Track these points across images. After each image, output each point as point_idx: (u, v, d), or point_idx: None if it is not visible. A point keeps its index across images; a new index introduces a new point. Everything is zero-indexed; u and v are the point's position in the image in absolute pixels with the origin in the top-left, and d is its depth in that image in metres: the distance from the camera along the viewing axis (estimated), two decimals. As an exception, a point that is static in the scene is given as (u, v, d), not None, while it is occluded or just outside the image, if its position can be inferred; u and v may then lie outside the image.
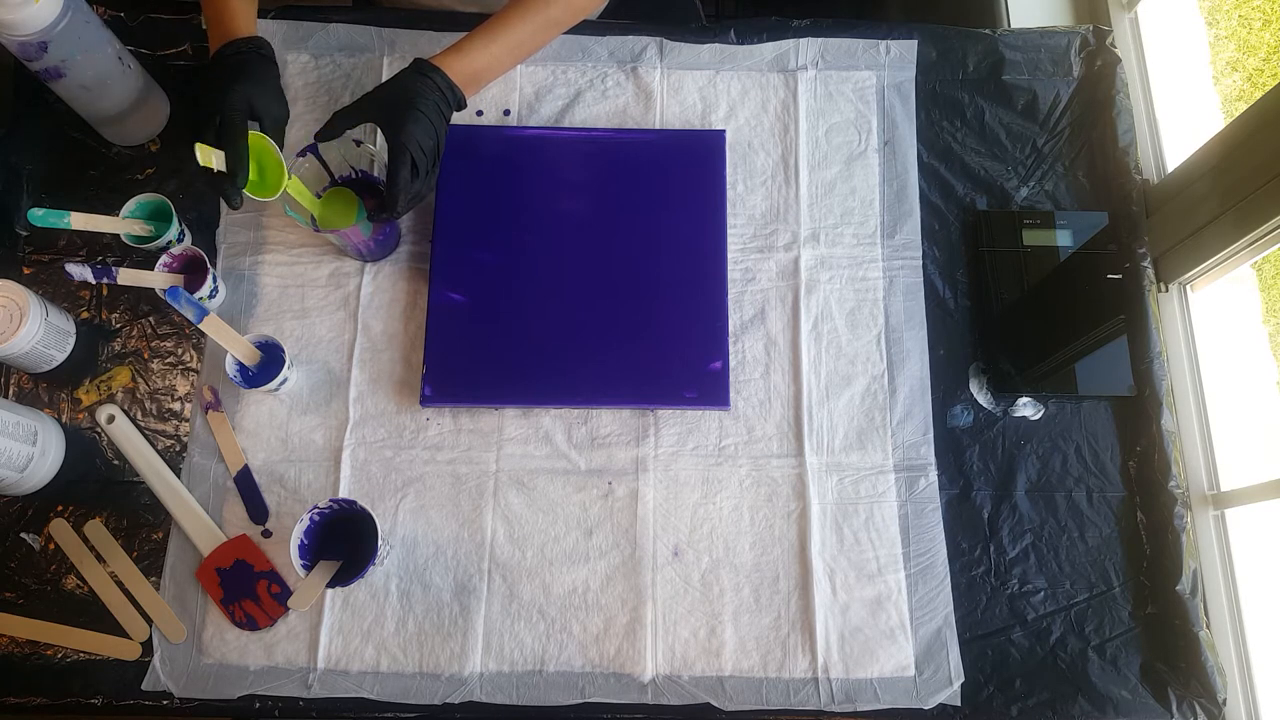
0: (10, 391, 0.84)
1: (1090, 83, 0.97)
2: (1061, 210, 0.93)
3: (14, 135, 0.90)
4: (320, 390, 0.85)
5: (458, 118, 0.80)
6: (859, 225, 0.91)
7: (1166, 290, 0.93)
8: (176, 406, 0.84)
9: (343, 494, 0.81)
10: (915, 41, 0.97)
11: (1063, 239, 0.91)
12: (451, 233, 0.87)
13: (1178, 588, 0.81)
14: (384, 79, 0.89)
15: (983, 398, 0.88)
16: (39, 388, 0.84)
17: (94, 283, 0.77)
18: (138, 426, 0.83)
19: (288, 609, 0.78)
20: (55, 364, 0.83)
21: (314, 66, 0.94)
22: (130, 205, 0.84)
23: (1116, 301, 0.90)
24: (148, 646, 0.77)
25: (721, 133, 0.92)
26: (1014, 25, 1.10)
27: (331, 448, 0.83)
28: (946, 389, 0.88)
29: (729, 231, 0.89)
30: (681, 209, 0.89)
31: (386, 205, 0.74)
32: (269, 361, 0.82)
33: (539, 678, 0.78)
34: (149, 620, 0.78)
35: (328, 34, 0.95)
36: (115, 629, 0.78)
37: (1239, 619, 0.83)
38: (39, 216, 0.77)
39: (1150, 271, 0.91)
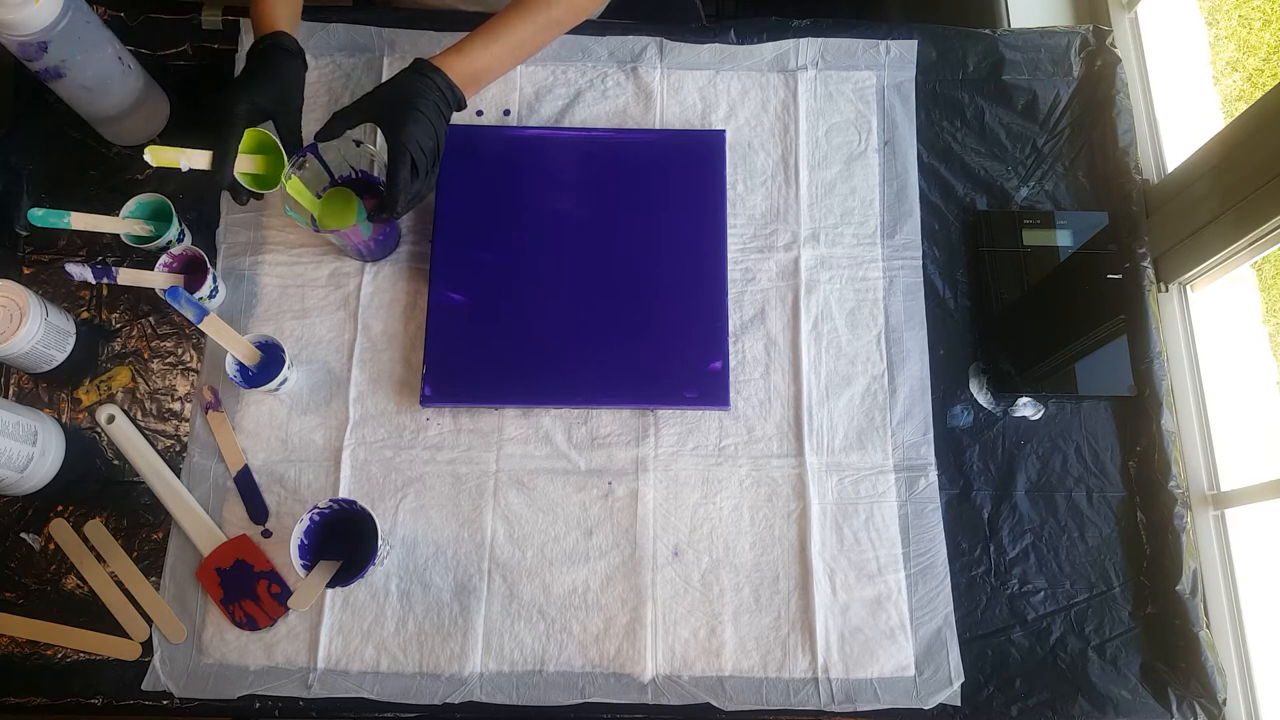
0: (10, 391, 0.84)
1: (1090, 83, 0.97)
2: (1061, 210, 0.93)
3: (14, 135, 0.90)
4: (320, 390, 0.85)
5: (458, 118, 0.80)
6: (859, 225, 0.91)
7: (1166, 290, 0.93)
8: (176, 406, 0.84)
9: (343, 494, 0.81)
10: (915, 41, 0.97)
11: (1063, 239, 0.91)
12: (451, 233, 0.87)
13: (1178, 588, 0.81)
14: (384, 79, 0.89)
15: (983, 398, 0.88)
16: (39, 388, 0.84)
17: (94, 283, 0.77)
18: (138, 426, 0.83)
19: (288, 609, 0.78)
20: (55, 364, 0.83)
21: (314, 66, 0.94)
22: (130, 205, 0.84)
23: (1116, 301, 0.90)
24: (148, 646, 0.77)
25: (721, 133, 0.92)
26: (1014, 25, 1.10)
27: (331, 448, 0.83)
28: (946, 389, 0.88)
29: (729, 231, 0.89)
30: (681, 209, 0.89)
31: (386, 205, 0.74)
32: (269, 361, 0.82)
33: (539, 678, 0.78)
34: (149, 620, 0.78)
35: (328, 34, 0.95)
36: (115, 629, 0.78)
37: (1239, 619, 0.83)
38: (39, 216, 0.77)
39: (1150, 271, 0.91)
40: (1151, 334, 0.88)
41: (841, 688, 0.78)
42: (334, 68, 0.94)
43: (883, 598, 0.81)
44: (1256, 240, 0.82)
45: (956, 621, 0.81)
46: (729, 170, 0.92)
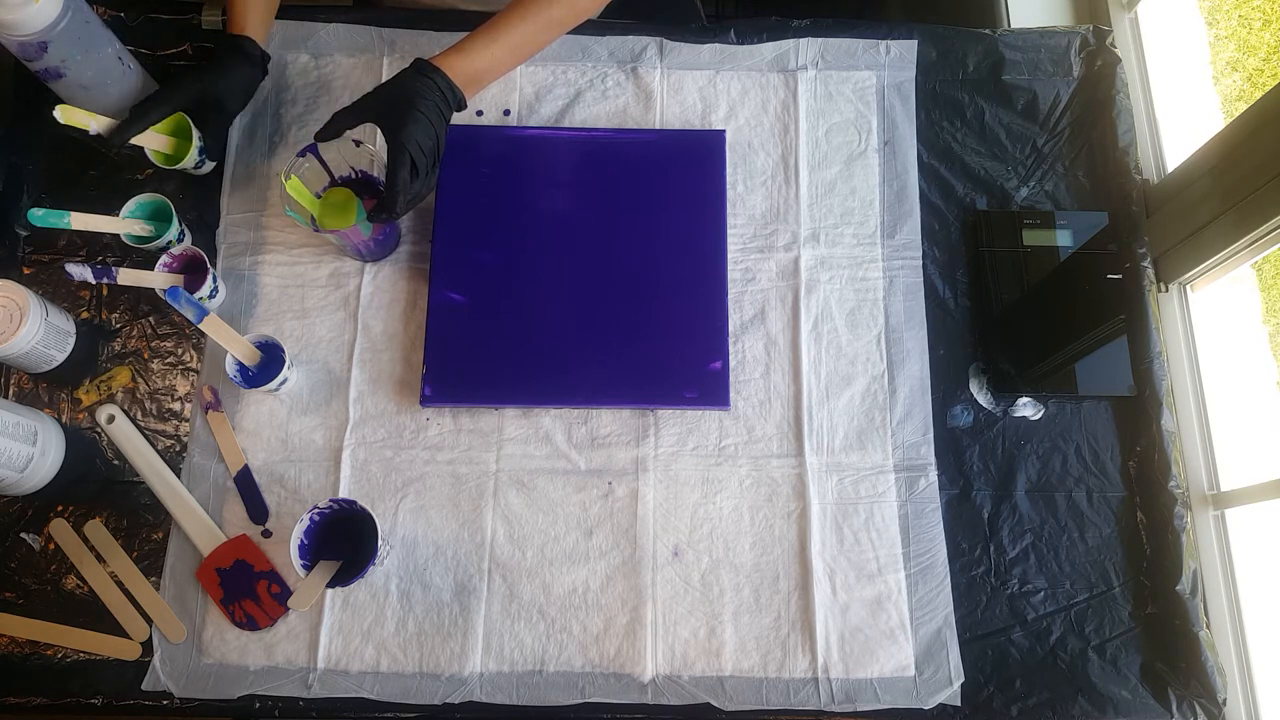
0: (10, 391, 0.84)
1: (1090, 83, 0.97)
2: (1061, 210, 0.93)
3: (14, 135, 0.90)
4: (320, 390, 0.85)
5: (458, 118, 0.80)
6: (859, 225, 0.91)
7: (1166, 290, 0.93)
8: (176, 406, 0.84)
9: (343, 494, 0.81)
10: (915, 41, 0.97)
11: (1063, 239, 0.91)
12: (451, 233, 0.87)
13: (1178, 588, 0.81)
14: (384, 79, 0.89)
15: (983, 398, 0.88)
16: (39, 388, 0.84)
17: (94, 283, 0.77)
18: (138, 426, 0.83)
19: (288, 609, 0.78)
20: (55, 364, 0.83)
21: (314, 66, 0.95)
22: (130, 205, 0.84)
23: (1116, 301, 0.90)
24: (148, 646, 0.77)
25: (721, 133, 0.92)
26: (1014, 25, 1.10)
27: (331, 448, 0.83)
28: (946, 389, 0.88)
29: (729, 231, 0.89)
30: (681, 209, 0.89)
31: (386, 206, 0.74)
32: (269, 361, 0.82)
33: (539, 678, 0.78)
34: (149, 620, 0.78)
35: (328, 34, 0.95)
36: (115, 629, 0.78)
37: (1239, 619, 0.83)
38: (39, 216, 0.77)
39: (1150, 271, 0.91)
40: (1151, 334, 0.88)
41: (841, 688, 0.78)
42: (334, 68, 0.94)
43: (883, 598, 0.81)
44: (1256, 240, 0.82)
45: (956, 621, 0.81)
46: (729, 170, 0.92)
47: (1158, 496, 0.84)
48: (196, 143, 0.84)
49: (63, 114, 0.75)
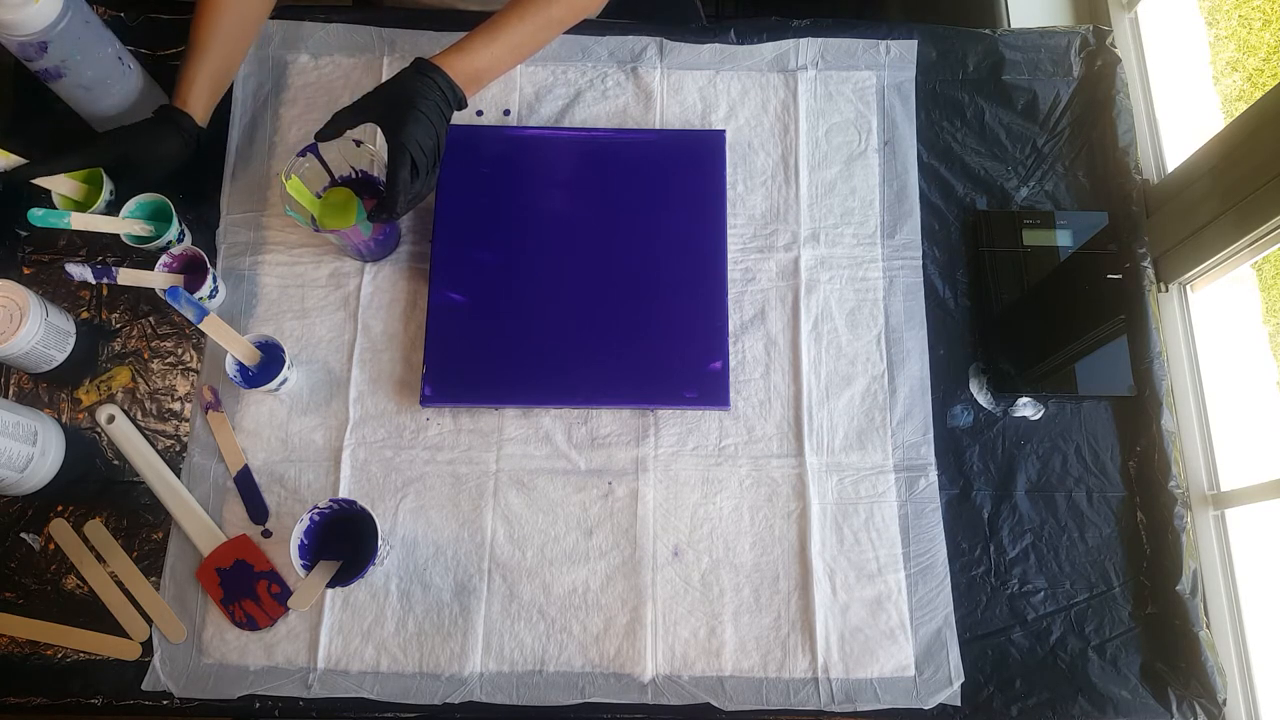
0: (10, 391, 0.84)
1: (1090, 83, 0.97)
2: (1061, 210, 0.93)
3: (14, 135, 0.90)
4: (320, 390, 0.85)
5: (458, 117, 0.80)
6: (859, 225, 0.91)
7: (1166, 290, 0.93)
8: (176, 406, 0.84)
9: (343, 494, 0.81)
10: (915, 41, 0.97)
11: (1063, 239, 0.91)
12: (451, 233, 0.87)
13: (1178, 588, 0.81)
14: (384, 79, 0.89)
15: (983, 398, 0.88)
16: (39, 388, 0.84)
17: (94, 283, 0.77)
18: (138, 426, 0.83)
19: (288, 609, 0.78)
20: (55, 364, 0.83)
21: (314, 66, 0.95)
22: (130, 205, 0.84)
23: (1116, 301, 0.90)
24: (148, 646, 0.77)
25: (721, 133, 0.92)
26: (1014, 25, 1.10)
27: (331, 448, 0.83)
28: (946, 389, 0.88)
29: (729, 231, 0.89)
30: (681, 209, 0.89)
31: (386, 206, 0.74)
32: (269, 361, 0.82)
33: (539, 678, 0.78)
34: (149, 620, 0.78)
35: (328, 34, 0.95)
36: (115, 629, 0.78)
37: (1239, 619, 0.83)
38: (39, 216, 0.77)
39: (1150, 271, 0.91)
40: (1151, 334, 0.88)
41: (841, 688, 0.78)
42: (334, 68, 0.94)
43: (883, 598, 0.81)
44: (1256, 240, 0.82)
45: (956, 621, 0.81)
46: (729, 170, 0.92)
47: (1158, 496, 0.84)
48: (106, 195, 0.83)
49: None
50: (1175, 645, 0.81)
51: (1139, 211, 0.92)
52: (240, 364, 0.81)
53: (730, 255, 0.89)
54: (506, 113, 0.94)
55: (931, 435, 0.85)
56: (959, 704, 0.78)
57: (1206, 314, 0.92)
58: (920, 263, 0.91)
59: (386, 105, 0.75)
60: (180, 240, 0.85)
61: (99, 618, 0.78)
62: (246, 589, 0.78)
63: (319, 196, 0.84)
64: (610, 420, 0.85)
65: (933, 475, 0.84)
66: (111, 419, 0.82)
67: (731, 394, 0.84)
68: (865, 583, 0.81)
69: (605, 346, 0.84)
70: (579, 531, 0.82)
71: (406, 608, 0.79)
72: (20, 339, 0.77)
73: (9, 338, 0.76)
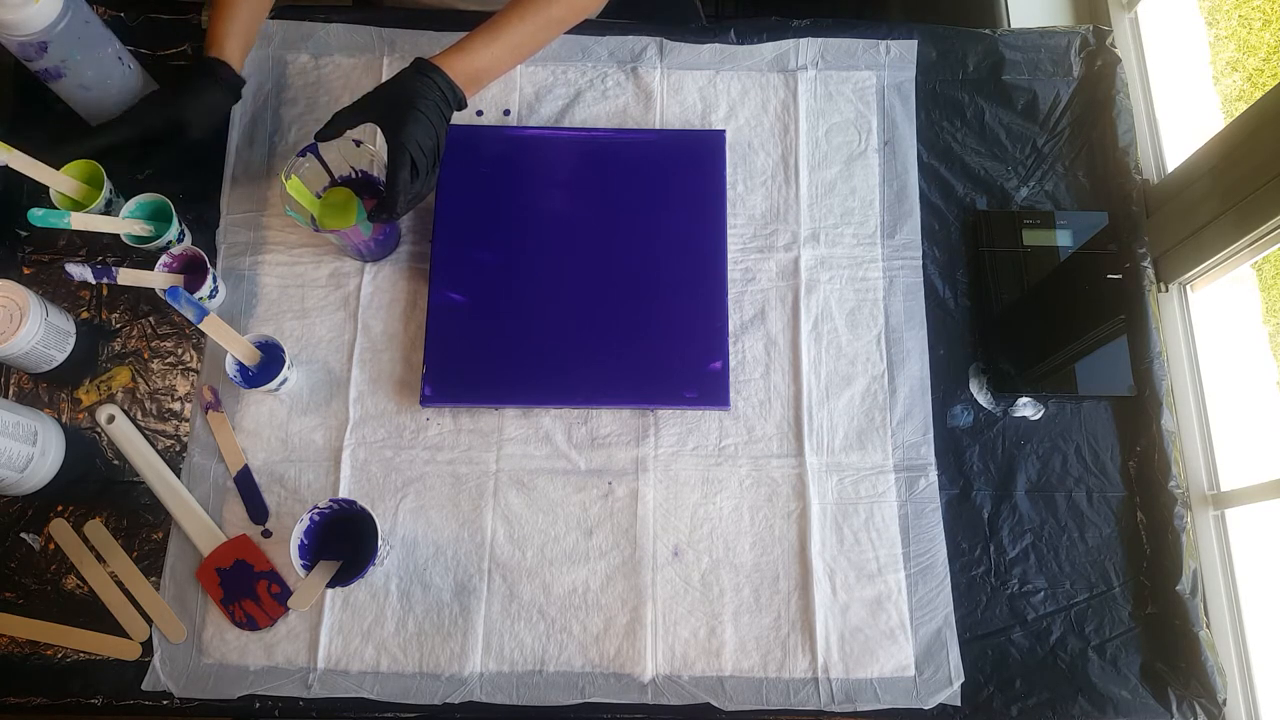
0: (10, 391, 0.84)
1: (1090, 83, 0.97)
2: (1061, 210, 0.93)
3: (14, 135, 0.90)
4: (320, 390, 0.85)
5: (458, 117, 0.80)
6: (859, 225, 0.91)
7: (1166, 290, 0.93)
8: (176, 406, 0.84)
9: (343, 494, 0.81)
10: (915, 41, 0.97)
11: (1063, 239, 0.91)
12: (451, 233, 0.87)
13: (1178, 588, 0.81)
14: (384, 79, 0.89)
15: (983, 398, 0.88)
16: (39, 388, 0.84)
17: (94, 283, 0.77)
18: (138, 426, 0.83)
19: (288, 609, 0.78)
20: (55, 364, 0.83)
21: (314, 66, 0.95)
22: (130, 205, 0.84)
23: (1116, 301, 0.90)
24: (148, 646, 0.77)
25: (721, 133, 0.92)
26: (1014, 25, 1.10)
27: (331, 448, 0.83)
28: (946, 389, 0.88)
29: (729, 231, 0.89)
30: (681, 209, 0.89)
31: (386, 206, 0.74)
32: (269, 361, 0.82)
33: (539, 678, 0.78)
34: (149, 620, 0.78)
35: (328, 34, 0.95)
36: (115, 629, 0.78)
37: (1239, 619, 0.83)
38: (39, 216, 0.76)
39: (1150, 271, 0.91)
40: (1151, 334, 0.88)
41: (841, 688, 0.78)
42: (334, 68, 0.94)
43: (883, 598, 0.81)
44: (1256, 240, 0.82)
45: (956, 621, 0.81)
46: (729, 170, 0.92)
47: (1158, 496, 0.84)
48: (106, 195, 0.83)
49: None
50: (1175, 645, 0.81)
51: (1139, 211, 0.92)
52: (240, 364, 0.81)
53: (730, 255, 0.89)
54: (506, 113, 0.94)
55: (931, 435, 0.85)
56: (959, 704, 0.78)
57: (1206, 314, 0.92)
58: (920, 263, 0.91)
59: (386, 105, 0.75)
60: (180, 240, 0.85)
61: (99, 618, 0.78)
62: (246, 589, 0.78)
63: (319, 196, 0.84)
64: (610, 420, 0.85)
65: (933, 475, 0.84)
66: (111, 419, 0.82)
67: (731, 394, 0.84)
68: (865, 583, 0.81)
69: (605, 346, 0.84)
70: (579, 531, 0.82)
71: (406, 608, 0.79)
72: (20, 339, 0.77)
73: (9, 338, 0.76)
